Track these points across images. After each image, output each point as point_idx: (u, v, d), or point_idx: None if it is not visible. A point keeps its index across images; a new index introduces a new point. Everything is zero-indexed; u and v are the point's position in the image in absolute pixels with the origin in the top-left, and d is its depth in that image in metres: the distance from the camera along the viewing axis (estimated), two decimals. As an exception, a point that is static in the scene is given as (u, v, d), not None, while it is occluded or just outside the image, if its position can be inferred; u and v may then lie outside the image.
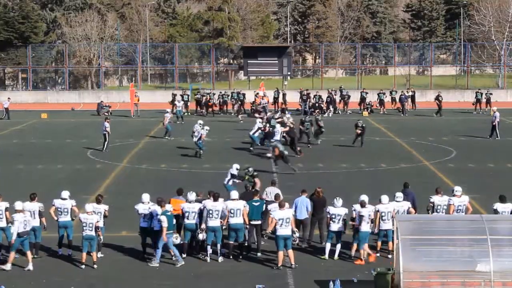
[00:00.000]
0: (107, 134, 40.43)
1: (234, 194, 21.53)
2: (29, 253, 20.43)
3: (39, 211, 21.35)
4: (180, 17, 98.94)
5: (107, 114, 58.54)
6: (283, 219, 20.27)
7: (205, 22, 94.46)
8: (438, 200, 21.72)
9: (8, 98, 62.93)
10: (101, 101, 64.30)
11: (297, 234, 21.37)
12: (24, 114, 62.44)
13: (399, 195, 21.79)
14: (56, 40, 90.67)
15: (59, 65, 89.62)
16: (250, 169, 26.08)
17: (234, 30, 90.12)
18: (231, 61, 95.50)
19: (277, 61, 66.60)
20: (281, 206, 20.64)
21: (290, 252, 20.41)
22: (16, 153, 40.93)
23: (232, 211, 21.13)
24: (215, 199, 21.28)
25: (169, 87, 79.83)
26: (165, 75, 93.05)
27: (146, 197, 21.39)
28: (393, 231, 20.50)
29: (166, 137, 45.24)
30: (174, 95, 61.61)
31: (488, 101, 60.86)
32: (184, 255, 21.20)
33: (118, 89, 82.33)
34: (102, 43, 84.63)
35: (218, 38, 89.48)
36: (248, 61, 66.98)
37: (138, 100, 60.99)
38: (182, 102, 55.88)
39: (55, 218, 21.62)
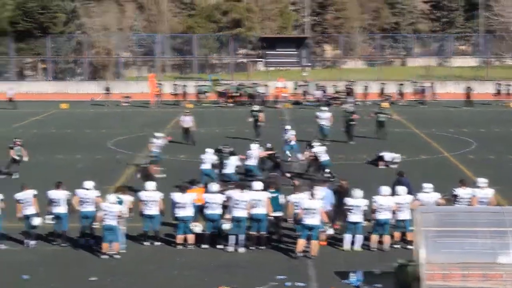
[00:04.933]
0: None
1: (258, 185, 21.55)
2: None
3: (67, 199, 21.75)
4: (198, 8, 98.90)
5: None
6: (308, 209, 20.31)
7: (223, 13, 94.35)
8: (462, 193, 21.69)
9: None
10: (107, 87, 64.21)
11: (331, 231, 21.39)
12: (44, 105, 62.69)
13: (428, 186, 21.68)
14: (75, 31, 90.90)
15: (78, 55, 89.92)
16: None
17: (252, 21, 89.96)
18: (250, 52, 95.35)
19: (296, 52, 66.38)
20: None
21: (314, 243, 20.41)
22: (36, 143, 41.13)
23: (254, 202, 21.19)
24: (242, 190, 21.36)
25: (187, 78, 79.85)
26: (184, 66, 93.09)
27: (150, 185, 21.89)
28: (410, 220, 20.56)
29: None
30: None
31: (509, 93, 60.59)
32: (205, 246, 21.32)
33: (137, 79, 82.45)
34: (121, 34, 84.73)
35: (237, 29, 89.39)
36: (267, 52, 66.85)
37: (160, 91, 61.10)
38: None
39: (78, 208, 21.77)
